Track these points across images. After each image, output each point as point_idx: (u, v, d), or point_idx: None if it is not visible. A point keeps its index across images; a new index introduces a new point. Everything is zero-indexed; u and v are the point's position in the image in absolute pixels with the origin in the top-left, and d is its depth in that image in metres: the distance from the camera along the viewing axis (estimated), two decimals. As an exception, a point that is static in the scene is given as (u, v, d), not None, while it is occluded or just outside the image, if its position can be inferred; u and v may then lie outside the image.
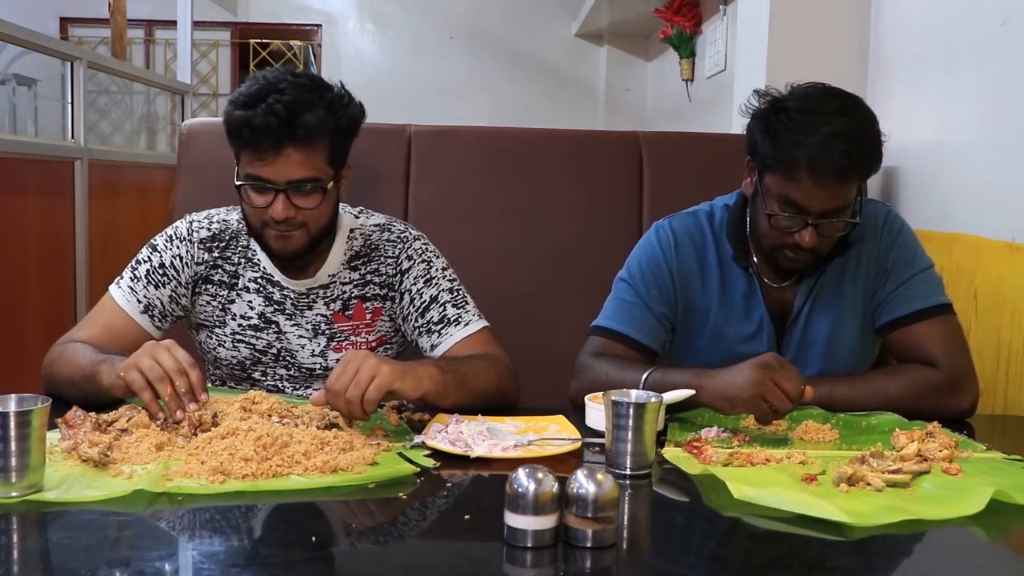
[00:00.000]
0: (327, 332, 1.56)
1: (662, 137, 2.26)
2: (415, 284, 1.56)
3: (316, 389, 1.47)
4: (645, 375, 1.41)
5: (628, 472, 1.12)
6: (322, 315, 1.56)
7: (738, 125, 1.55)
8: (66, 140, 3.17)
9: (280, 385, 1.59)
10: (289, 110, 1.38)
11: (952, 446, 1.20)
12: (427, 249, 1.60)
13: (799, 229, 1.43)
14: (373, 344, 1.59)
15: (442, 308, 1.54)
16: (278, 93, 1.39)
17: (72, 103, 3.16)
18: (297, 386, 1.59)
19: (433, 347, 1.54)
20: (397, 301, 1.58)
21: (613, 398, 1.13)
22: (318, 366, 1.57)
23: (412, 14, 6.75)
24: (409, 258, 1.58)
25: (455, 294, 1.56)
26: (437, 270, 1.58)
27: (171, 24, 5.06)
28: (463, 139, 2.25)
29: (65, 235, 3.05)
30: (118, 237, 3.32)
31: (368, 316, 1.57)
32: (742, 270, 1.57)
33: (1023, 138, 1.71)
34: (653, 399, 1.14)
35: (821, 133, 1.36)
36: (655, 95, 5.93)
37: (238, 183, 1.45)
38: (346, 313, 1.56)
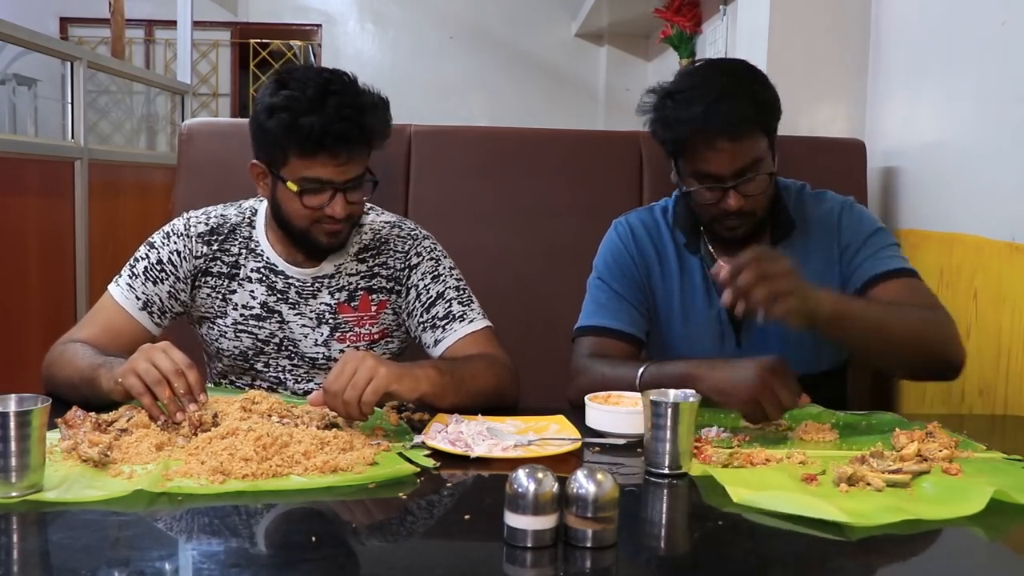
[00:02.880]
0: (331, 322, 1.57)
1: (662, 137, 2.26)
2: (423, 280, 1.58)
3: (319, 382, 1.47)
4: (640, 370, 1.42)
5: (667, 472, 1.11)
6: (327, 304, 1.57)
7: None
8: (66, 140, 3.17)
9: (282, 377, 1.59)
10: (359, 114, 1.40)
11: (952, 446, 1.20)
12: (436, 248, 1.63)
13: (722, 198, 1.47)
14: (376, 336, 1.60)
15: (448, 304, 1.56)
16: (336, 95, 1.39)
17: (72, 103, 3.15)
18: (299, 378, 1.59)
19: (436, 342, 1.55)
20: (403, 296, 1.59)
21: (652, 398, 1.13)
22: (321, 355, 1.57)
23: (412, 14, 6.76)
24: (418, 255, 1.60)
25: (461, 292, 1.58)
26: (445, 268, 1.60)
27: (171, 24, 5.06)
28: (463, 139, 2.25)
29: (65, 235, 3.04)
30: (118, 237, 3.32)
31: (373, 308, 1.59)
32: (695, 257, 1.61)
33: (1023, 138, 1.71)
34: (691, 399, 1.15)
35: (703, 104, 1.42)
36: (655, 95, 5.91)
37: (294, 188, 1.43)
38: (352, 304, 1.57)
